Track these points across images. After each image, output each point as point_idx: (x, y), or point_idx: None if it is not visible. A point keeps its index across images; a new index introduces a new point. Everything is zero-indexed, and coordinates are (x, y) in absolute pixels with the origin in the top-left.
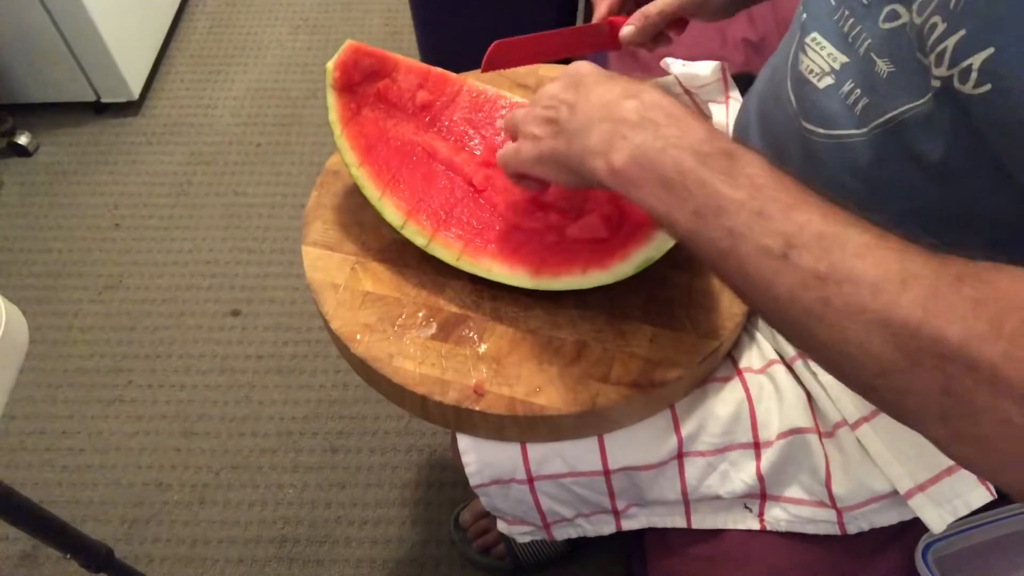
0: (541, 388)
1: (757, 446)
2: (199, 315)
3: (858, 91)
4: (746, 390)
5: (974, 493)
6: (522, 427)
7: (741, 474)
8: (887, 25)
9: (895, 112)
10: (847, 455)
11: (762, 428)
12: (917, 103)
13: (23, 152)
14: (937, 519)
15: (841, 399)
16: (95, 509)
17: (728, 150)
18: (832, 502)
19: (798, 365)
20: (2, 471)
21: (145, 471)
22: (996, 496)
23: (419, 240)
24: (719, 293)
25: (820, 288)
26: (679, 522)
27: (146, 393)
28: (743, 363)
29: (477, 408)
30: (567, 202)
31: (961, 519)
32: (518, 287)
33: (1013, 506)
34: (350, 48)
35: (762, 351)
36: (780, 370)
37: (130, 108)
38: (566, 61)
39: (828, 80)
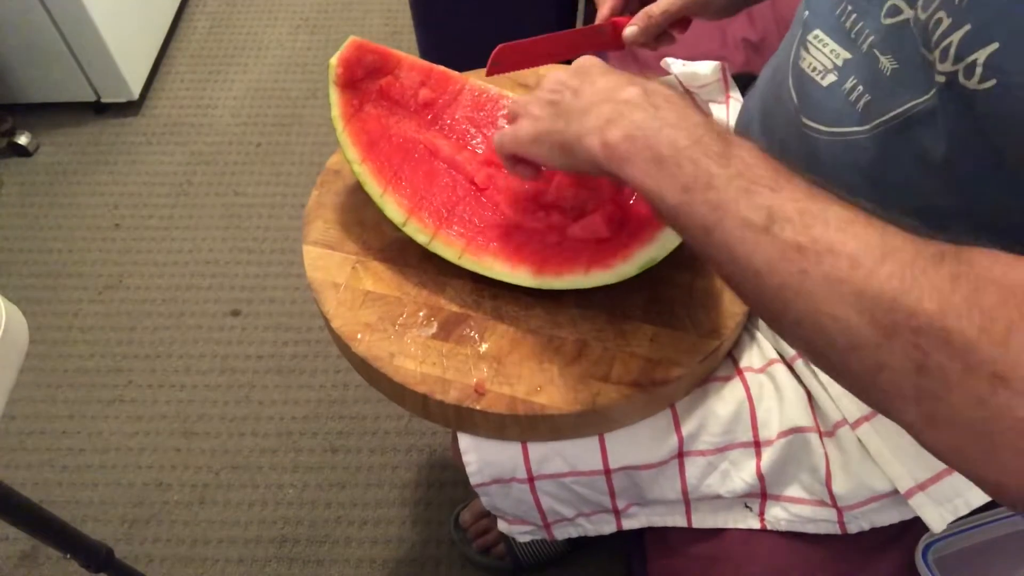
0: (542, 387)
1: (757, 445)
2: (199, 315)
3: (861, 88)
4: (747, 389)
5: (974, 492)
6: (523, 426)
7: (741, 473)
8: (889, 20)
9: (899, 109)
10: (847, 454)
11: (762, 427)
12: (921, 100)
13: (23, 152)
14: (937, 518)
15: (841, 398)
16: (95, 509)
17: (723, 135)
18: (832, 501)
19: (798, 364)
20: (2, 471)
21: (145, 471)
22: None
23: (421, 238)
24: (720, 293)
25: (799, 260)
26: (679, 521)
27: (146, 393)
28: (744, 362)
29: (478, 407)
30: (569, 201)
31: (961, 519)
32: (519, 286)
33: None
34: (353, 44)
35: (763, 350)
36: (781, 369)
37: (130, 108)
38: (569, 63)
39: (831, 77)
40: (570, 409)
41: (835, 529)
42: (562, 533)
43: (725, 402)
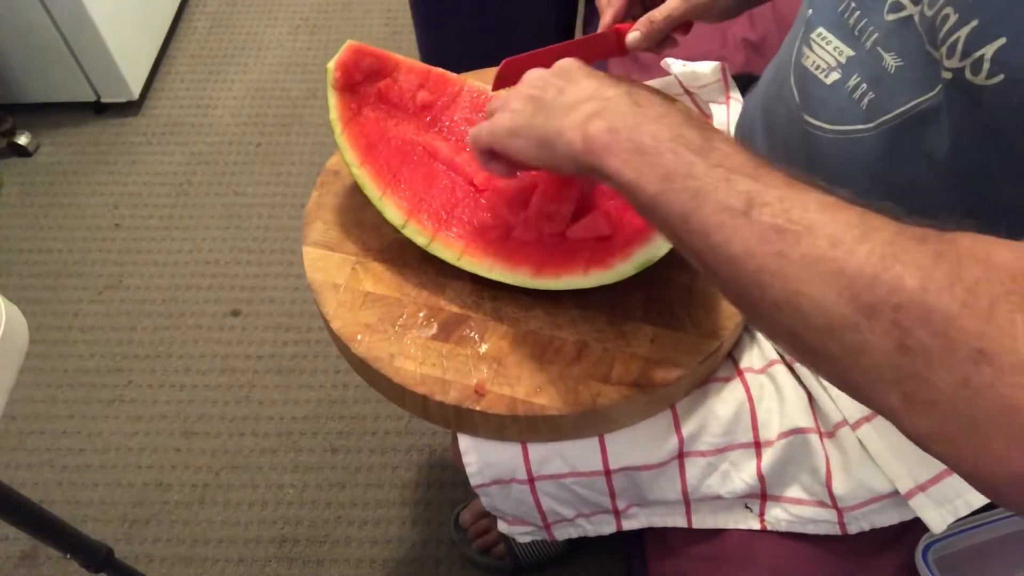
0: (542, 388)
1: (758, 446)
2: (199, 315)
3: (864, 86)
4: (747, 390)
5: (974, 493)
6: (523, 427)
7: (742, 474)
8: (892, 16)
9: (904, 107)
10: (848, 455)
11: (763, 428)
12: (926, 97)
13: (23, 152)
14: (938, 519)
15: (842, 399)
16: (95, 509)
17: (704, 130)
18: (833, 502)
19: (799, 365)
20: (2, 471)
21: (145, 471)
22: None
23: (420, 240)
24: (720, 293)
25: (777, 242)
26: (680, 522)
27: (146, 393)
28: (744, 363)
29: (478, 408)
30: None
31: (961, 519)
32: (519, 287)
33: None
34: (351, 48)
35: (763, 351)
36: (781, 370)
37: (130, 108)
38: None
39: (835, 75)
40: (570, 410)
41: (835, 530)
42: (562, 533)
43: (725, 403)
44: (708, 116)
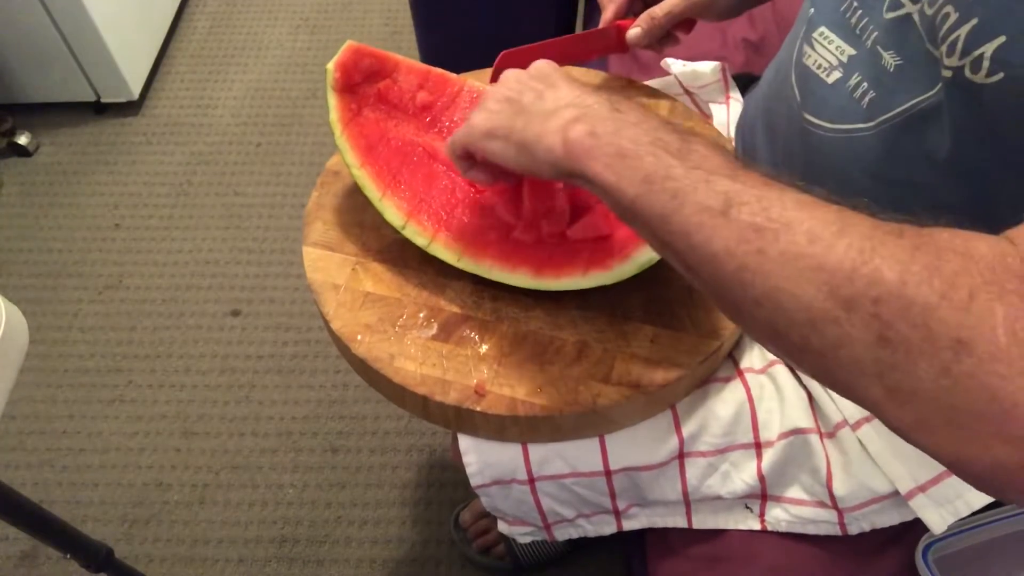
0: (542, 388)
1: (758, 446)
2: (199, 315)
3: (865, 84)
4: (747, 390)
5: (975, 493)
6: (523, 427)
7: (742, 474)
8: (891, 15)
9: (903, 106)
10: (848, 455)
11: (763, 428)
12: (926, 96)
13: (23, 152)
14: (938, 519)
15: (842, 399)
16: (95, 509)
17: (683, 134)
18: (833, 502)
19: None
20: (2, 471)
21: (145, 471)
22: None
23: (420, 240)
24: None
25: (757, 239)
26: (680, 522)
27: (146, 393)
28: (744, 363)
29: (478, 408)
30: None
31: (961, 519)
32: (519, 287)
33: (1013, 506)
34: (350, 49)
35: (763, 351)
36: (781, 370)
37: (130, 108)
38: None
39: (836, 74)
40: (570, 410)
41: (836, 530)
42: (562, 534)
43: (726, 403)
44: (708, 116)
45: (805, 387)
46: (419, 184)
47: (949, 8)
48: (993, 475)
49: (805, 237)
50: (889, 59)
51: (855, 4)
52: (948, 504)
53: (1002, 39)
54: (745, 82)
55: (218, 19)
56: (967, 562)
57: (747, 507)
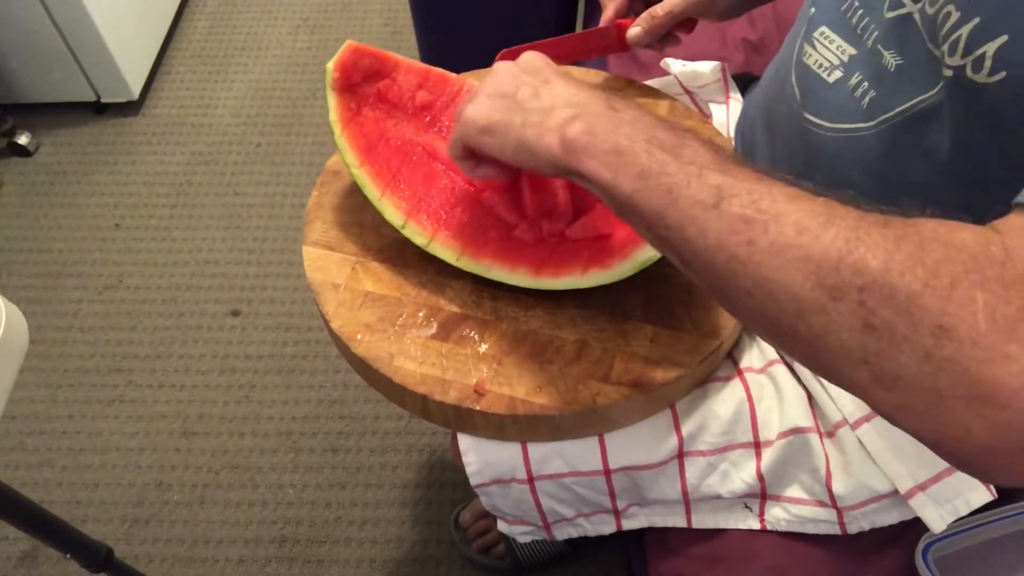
0: (542, 388)
1: (758, 446)
2: (199, 315)
3: (865, 84)
4: (747, 390)
5: (975, 492)
6: (523, 427)
7: (741, 474)
8: (891, 14)
9: (904, 106)
10: (848, 455)
11: (763, 428)
12: (927, 95)
13: (23, 152)
14: (937, 519)
15: (842, 398)
16: (95, 509)
17: (677, 131)
18: (832, 502)
19: (799, 365)
20: (2, 471)
21: (145, 471)
22: (996, 496)
23: (420, 240)
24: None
25: (746, 230)
26: (679, 522)
27: (146, 393)
28: (744, 363)
29: (478, 408)
30: (566, 204)
31: (961, 519)
32: (519, 286)
33: (1013, 506)
34: (350, 48)
35: (763, 351)
36: (781, 370)
37: (130, 108)
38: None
39: (837, 74)
40: (570, 409)
41: (835, 530)
42: (562, 533)
43: (725, 402)
44: (708, 116)
45: (804, 387)
46: (419, 183)
47: (950, 7)
48: (975, 456)
49: (793, 228)
50: (890, 58)
51: (856, 3)
52: (948, 503)
53: (1004, 38)
54: (745, 82)
55: (218, 19)
56: (967, 562)
57: (746, 506)
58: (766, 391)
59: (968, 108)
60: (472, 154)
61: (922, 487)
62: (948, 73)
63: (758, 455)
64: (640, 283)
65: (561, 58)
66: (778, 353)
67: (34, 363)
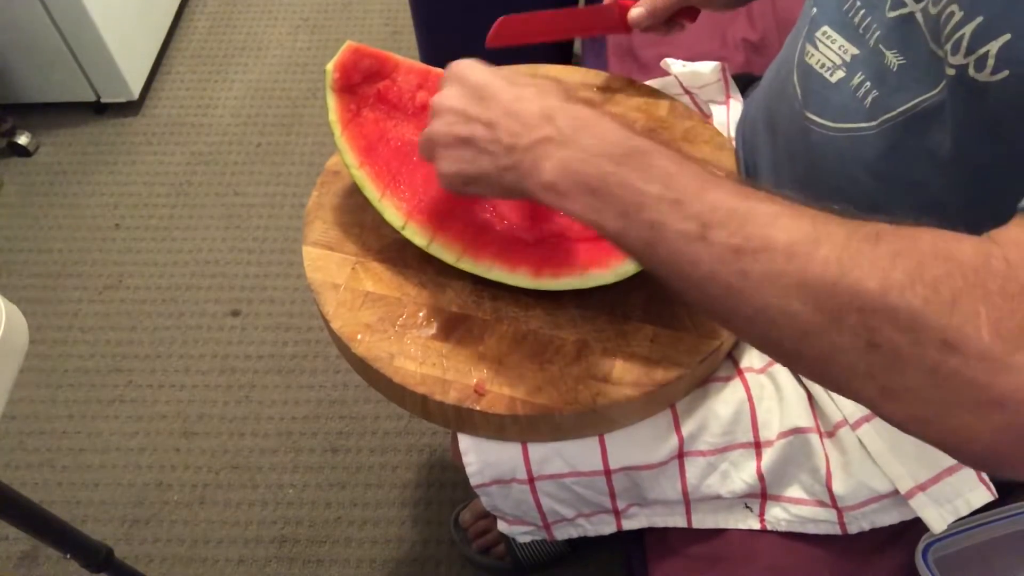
0: (542, 388)
1: (758, 446)
2: (199, 315)
3: (868, 84)
4: (747, 390)
5: (975, 493)
6: (523, 427)
7: (742, 474)
8: (893, 14)
9: (906, 105)
10: (848, 455)
11: (763, 428)
12: (929, 95)
13: (23, 152)
14: (938, 519)
15: (842, 399)
16: (95, 509)
17: (641, 148)
18: (833, 502)
19: None
20: (2, 471)
21: (145, 471)
22: (997, 496)
23: (420, 240)
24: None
25: (737, 261)
26: (680, 522)
27: (146, 393)
28: (744, 363)
29: (478, 408)
30: None
31: (961, 519)
32: (519, 287)
33: (1013, 506)
34: (350, 49)
35: None
36: (781, 370)
37: (130, 108)
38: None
39: (840, 73)
40: (570, 410)
41: (835, 530)
42: (562, 533)
43: (725, 402)
44: (708, 116)
45: (805, 387)
46: (419, 184)
47: (953, 7)
48: (981, 456)
49: (783, 256)
50: (892, 58)
51: (858, 3)
52: (948, 503)
53: (1007, 37)
54: (745, 82)
55: (218, 19)
56: (967, 562)
57: (747, 506)
58: (766, 391)
59: (970, 108)
60: (465, 192)
61: (922, 487)
62: (950, 72)
63: (758, 455)
64: (640, 283)
65: (560, 33)
66: None
67: (34, 363)
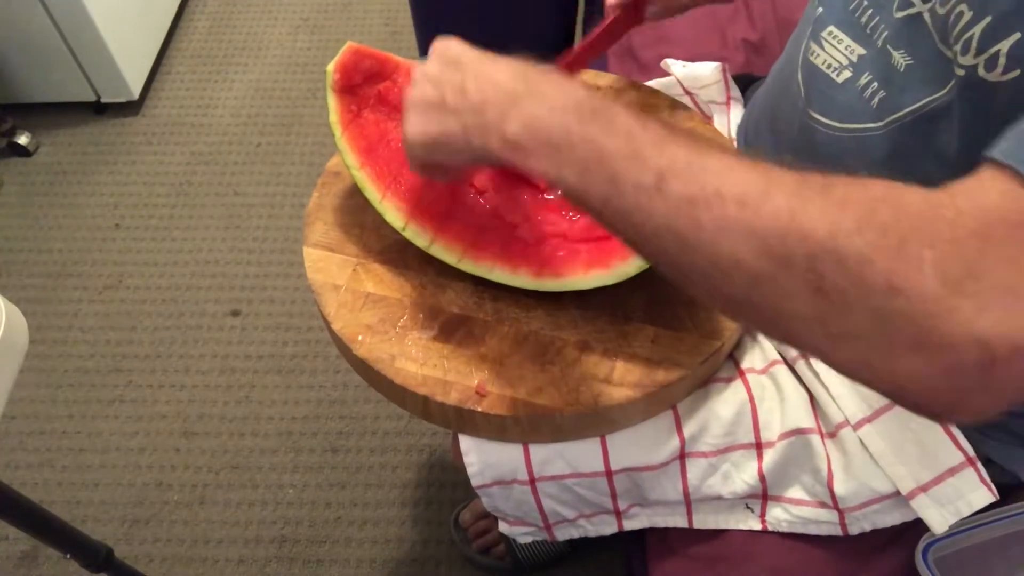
0: (543, 389)
1: (759, 446)
2: (199, 315)
3: (875, 84)
4: (748, 390)
5: (976, 494)
6: (524, 428)
7: (743, 474)
8: (901, 14)
9: (914, 106)
10: (849, 455)
11: (764, 428)
12: (936, 95)
13: (23, 152)
14: (939, 519)
15: (843, 399)
16: (95, 509)
17: (604, 106)
18: (834, 502)
19: (800, 365)
20: (2, 471)
21: (145, 471)
22: (998, 497)
23: (421, 242)
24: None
25: (690, 211)
26: (680, 522)
27: (146, 393)
28: (745, 364)
29: (479, 409)
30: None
31: (962, 519)
32: (520, 288)
33: (1013, 506)
34: (350, 50)
35: (764, 352)
36: (782, 371)
37: (130, 108)
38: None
39: (847, 74)
40: (571, 411)
41: (837, 530)
42: (563, 534)
43: (727, 403)
44: (708, 117)
45: (806, 387)
46: (419, 185)
47: (963, 7)
48: (928, 399)
49: (734, 204)
50: (899, 58)
51: (865, 3)
52: (950, 504)
53: (1017, 36)
54: (745, 83)
55: (218, 19)
56: (967, 562)
57: (748, 507)
58: (767, 392)
59: (978, 108)
60: (434, 166)
61: (924, 488)
62: (960, 72)
63: (759, 456)
64: (641, 284)
65: (596, 54)
66: (779, 354)
67: (34, 363)
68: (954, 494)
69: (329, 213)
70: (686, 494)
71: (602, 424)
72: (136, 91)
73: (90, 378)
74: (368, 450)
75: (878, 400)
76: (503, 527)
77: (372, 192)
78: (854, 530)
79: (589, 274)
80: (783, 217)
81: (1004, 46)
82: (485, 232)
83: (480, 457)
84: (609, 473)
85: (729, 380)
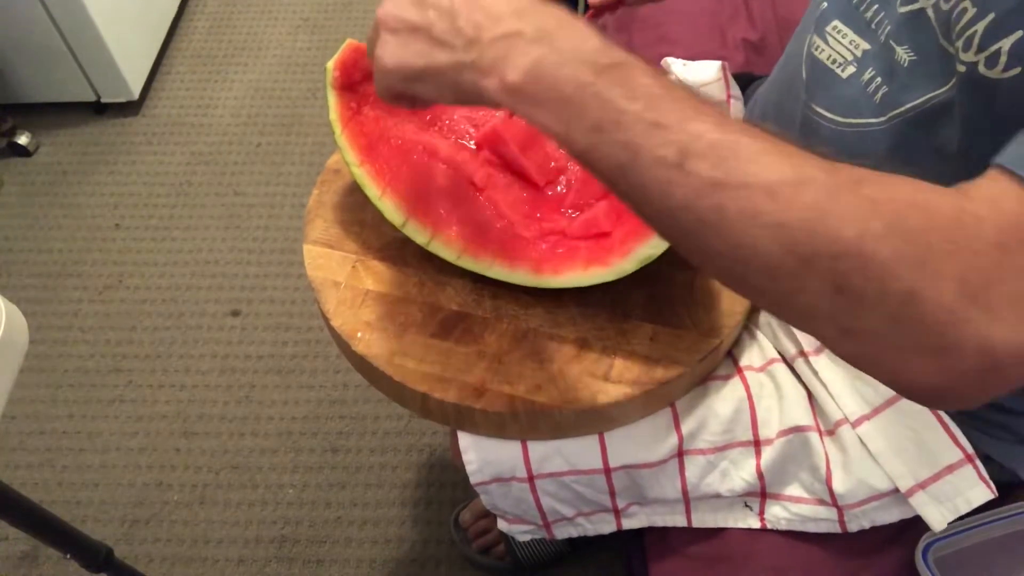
0: (542, 386)
1: (757, 444)
2: (199, 315)
3: (878, 79)
4: (747, 388)
5: (975, 491)
6: (523, 425)
7: (741, 472)
8: (904, 9)
9: (916, 101)
10: (848, 453)
11: (763, 426)
12: (939, 91)
13: (23, 152)
14: (938, 517)
15: (842, 397)
16: (95, 509)
17: (624, 60)
18: (833, 500)
19: (799, 363)
20: (2, 471)
21: (145, 471)
22: (996, 494)
23: (420, 239)
24: (720, 291)
25: (715, 195)
26: (679, 521)
27: (146, 393)
28: (744, 361)
29: (478, 406)
30: (568, 203)
31: (961, 518)
32: (519, 285)
33: (1013, 506)
34: (350, 47)
35: (763, 349)
36: (781, 368)
37: (130, 108)
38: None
39: (851, 69)
40: (570, 408)
41: (836, 528)
42: (562, 532)
43: (725, 401)
44: None
45: (805, 385)
46: (419, 182)
47: (966, 3)
48: (927, 394)
49: (763, 195)
50: (903, 54)
51: None
52: (948, 501)
53: (1020, 33)
54: (745, 82)
55: (218, 19)
56: (967, 562)
57: (747, 505)
58: (766, 389)
59: (979, 104)
60: (404, 95)
61: (922, 485)
62: (961, 69)
63: (758, 453)
64: (640, 281)
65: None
66: (777, 351)
67: (34, 363)
68: (953, 491)
69: (329, 210)
70: (684, 492)
71: (600, 421)
72: (136, 91)
73: (90, 378)
74: (368, 450)
75: (877, 398)
76: (502, 525)
77: (371, 189)
78: (853, 528)
79: (588, 271)
80: (813, 214)
81: (1006, 44)
82: (484, 229)
83: (479, 454)
84: (607, 470)
85: (727, 378)
